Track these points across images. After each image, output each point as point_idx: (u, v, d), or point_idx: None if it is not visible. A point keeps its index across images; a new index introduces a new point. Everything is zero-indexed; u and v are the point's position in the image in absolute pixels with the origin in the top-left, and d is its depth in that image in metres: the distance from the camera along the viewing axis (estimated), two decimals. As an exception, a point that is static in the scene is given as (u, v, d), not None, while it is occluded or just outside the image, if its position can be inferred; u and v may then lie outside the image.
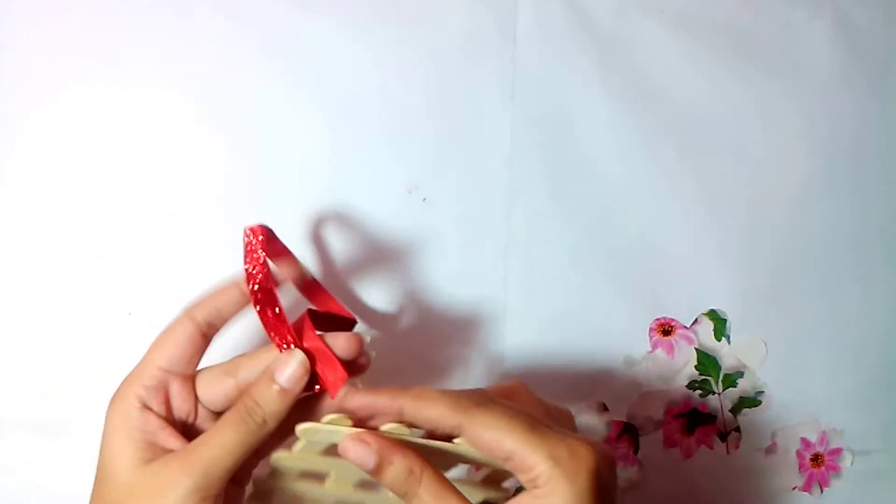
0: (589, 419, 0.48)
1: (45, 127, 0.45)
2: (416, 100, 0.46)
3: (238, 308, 0.37)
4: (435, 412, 0.33)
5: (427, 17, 0.46)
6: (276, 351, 0.35)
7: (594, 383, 0.47)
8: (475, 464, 0.37)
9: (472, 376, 0.46)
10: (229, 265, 0.45)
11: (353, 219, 0.46)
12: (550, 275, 0.47)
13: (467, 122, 0.46)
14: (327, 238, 0.45)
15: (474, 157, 0.46)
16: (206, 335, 0.36)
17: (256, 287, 0.35)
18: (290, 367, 0.34)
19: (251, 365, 0.36)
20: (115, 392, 0.35)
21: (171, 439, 0.34)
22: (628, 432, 0.48)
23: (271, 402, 0.34)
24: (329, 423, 0.34)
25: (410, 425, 0.34)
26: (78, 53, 0.44)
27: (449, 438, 0.34)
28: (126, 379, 0.35)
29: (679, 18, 0.48)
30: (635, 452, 0.48)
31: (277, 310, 0.35)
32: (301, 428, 0.33)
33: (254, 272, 0.35)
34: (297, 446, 0.34)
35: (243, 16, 0.45)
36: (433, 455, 0.34)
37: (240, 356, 0.37)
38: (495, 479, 0.38)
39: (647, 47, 0.47)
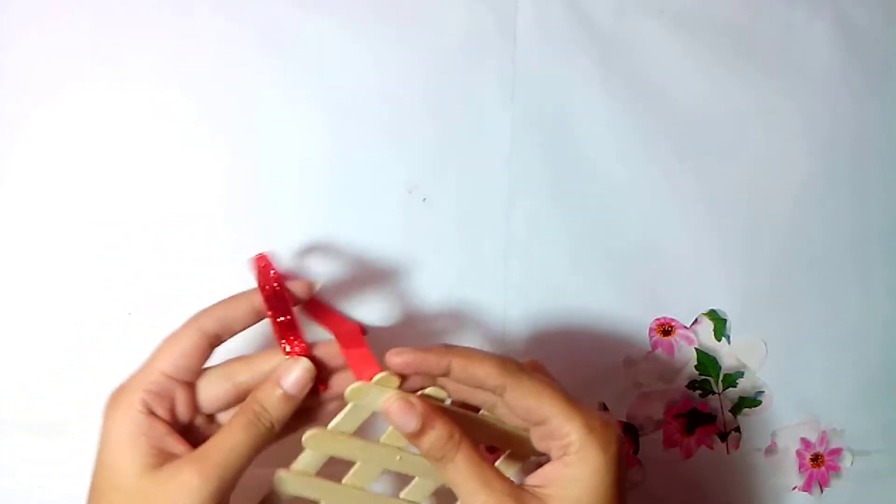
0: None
1: (45, 127, 0.45)
2: (416, 100, 0.46)
3: (248, 322, 0.37)
4: (482, 371, 0.34)
5: (427, 17, 0.46)
6: (273, 355, 0.36)
7: (594, 383, 0.47)
8: (496, 440, 0.37)
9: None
10: (229, 265, 0.45)
11: (353, 219, 0.46)
12: (550, 275, 0.47)
13: (467, 122, 0.46)
14: (327, 238, 0.45)
15: (474, 157, 0.46)
16: (213, 345, 0.36)
17: (270, 292, 0.36)
18: (294, 373, 0.35)
19: (249, 369, 0.36)
20: (115, 395, 0.35)
21: (176, 445, 0.34)
22: (628, 432, 0.48)
23: (276, 406, 0.34)
24: (378, 382, 0.34)
25: (454, 384, 0.35)
26: (78, 53, 0.44)
27: (476, 409, 0.36)
28: (129, 383, 0.35)
29: (679, 18, 0.48)
30: (635, 452, 0.48)
31: (289, 317, 0.36)
32: (351, 388, 0.34)
33: (270, 277, 0.36)
34: (342, 414, 0.35)
35: (243, 16, 0.45)
36: (462, 425, 0.35)
37: (236, 359, 0.37)
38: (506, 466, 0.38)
39: (647, 47, 0.47)
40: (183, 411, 0.35)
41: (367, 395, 0.35)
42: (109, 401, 0.35)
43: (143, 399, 0.34)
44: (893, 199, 0.50)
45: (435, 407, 0.34)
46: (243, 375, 0.36)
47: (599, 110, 0.47)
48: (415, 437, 0.34)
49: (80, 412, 0.45)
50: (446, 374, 0.34)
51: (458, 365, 0.34)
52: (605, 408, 0.48)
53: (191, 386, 0.36)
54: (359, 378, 0.35)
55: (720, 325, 0.48)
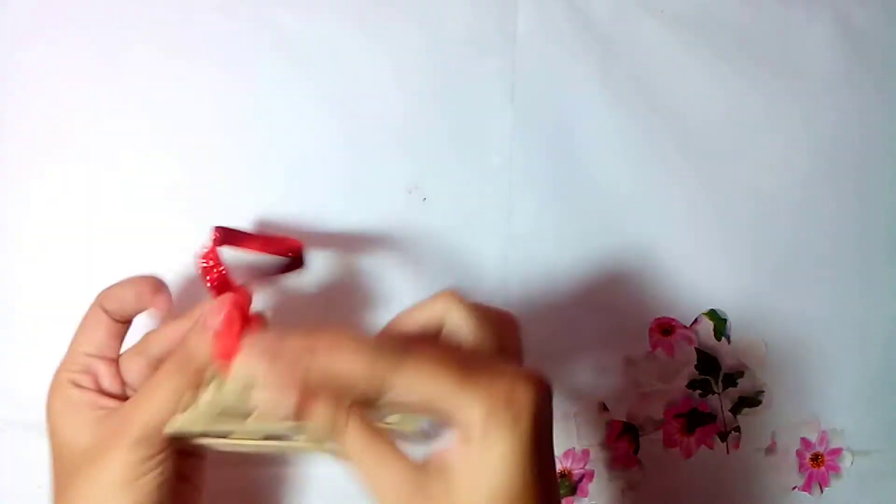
0: (589, 419, 0.48)
1: (45, 126, 0.45)
2: (416, 100, 0.46)
3: (146, 304, 0.37)
4: (349, 369, 0.29)
5: (427, 17, 0.46)
6: (183, 321, 0.36)
7: (594, 383, 0.47)
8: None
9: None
10: (229, 265, 0.45)
11: (353, 218, 0.46)
12: (550, 275, 0.47)
13: (467, 122, 0.46)
14: (327, 238, 0.45)
15: (474, 157, 0.46)
16: (120, 321, 0.37)
17: (208, 277, 0.37)
18: (222, 312, 0.34)
19: (159, 339, 0.36)
20: (49, 386, 0.36)
21: (108, 400, 0.35)
22: (628, 432, 0.48)
23: (207, 348, 0.33)
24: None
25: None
26: (78, 53, 0.44)
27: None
28: (56, 370, 0.36)
29: (679, 18, 0.48)
30: (635, 452, 0.48)
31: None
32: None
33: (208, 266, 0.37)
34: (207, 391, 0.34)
35: (244, 16, 0.45)
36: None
37: (148, 333, 0.37)
38: None
39: (648, 47, 0.47)
40: (108, 386, 0.36)
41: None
42: (47, 395, 0.36)
43: (70, 378, 0.35)
44: None
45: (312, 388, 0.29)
46: (156, 347, 0.36)
47: (600, 110, 0.47)
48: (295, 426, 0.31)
49: (80, 412, 0.45)
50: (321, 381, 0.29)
51: (320, 365, 0.29)
52: (605, 408, 0.48)
53: (113, 362, 0.36)
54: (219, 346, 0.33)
55: (720, 325, 0.48)
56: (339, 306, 0.45)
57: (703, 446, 0.49)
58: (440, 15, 0.46)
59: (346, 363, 0.29)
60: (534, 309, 0.47)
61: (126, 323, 0.37)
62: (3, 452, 0.45)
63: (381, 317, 0.46)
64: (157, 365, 0.36)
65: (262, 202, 0.45)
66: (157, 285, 0.37)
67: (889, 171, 0.49)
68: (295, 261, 0.40)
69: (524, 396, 0.29)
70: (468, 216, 0.46)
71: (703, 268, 0.48)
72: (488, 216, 0.47)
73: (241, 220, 0.45)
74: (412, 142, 0.46)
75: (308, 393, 0.29)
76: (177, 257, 0.45)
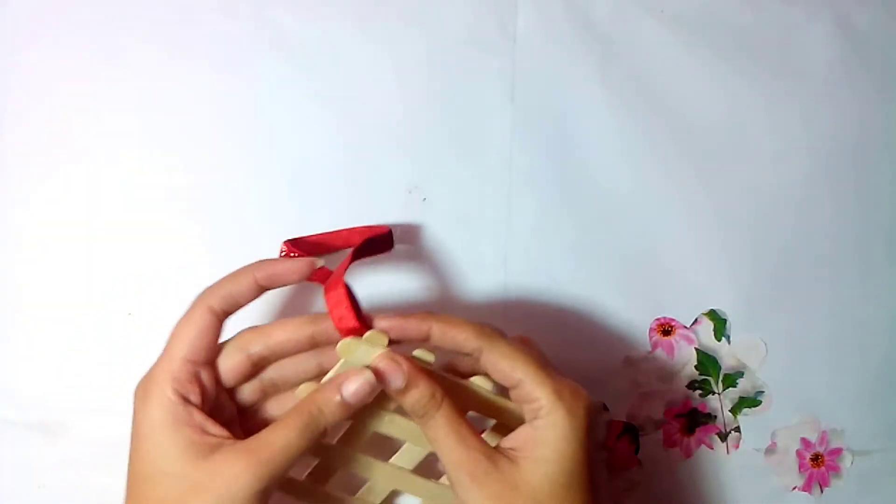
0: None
1: (45, 126, 0.45)
2: (416, 100, 0.46)
3: (253, 296, 0.37)
4: (461, 335, 0.36)
5: (427, 17, 0.46)
6: (286, 324, 0.37)
7: (594, 383, 0.47)
8: (482, 407, 0.38)
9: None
10: (230, 264, 0.45)
11: (353, 219, 0.46)
12: (550, 275, 0.47)
13: (467, 122, 0.46)
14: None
15: (474, 157, 0.46)
16: (222, 321, 0.37)
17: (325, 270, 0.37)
18: (356, 384, 0.35)
19: (263, 339, 0.37)
20: (143, 387, 0.35)
21: (214, 429, 0.34)
22: (628, 432, 0.48)
23: (334, 412, 0.35)
24: (367, 340, 0.36)
25: (436, 348, 0.36)
26: (78, 53, 0.44)
27: (465, 376, 0.38)
28: (154, 373, 0.35)
29: (679, 18, 0.48)
30: (635, 452, 0.48)
31: (345, 292, 0.36)
32: (342, 343, 0.35)
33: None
34: (333, 370, 0.36)
35: (244, 16, 0.45)
36: (448, 390, 0.36)
37: (248, 330, 0.37)
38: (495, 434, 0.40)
39: (648, 47, 0.47)
40: (210, 391, 0.36)
41: (357, 351, 0.36)
42: (139, 393, 0.35)
43: (174, 388, 0.35)
44: None
45: (420, 367, 0.36)
46: (257, 345, 0.37)
47: (600, 110, 0.47)
48: (400, 394, 0.35)
49: (81, 412, 0.45)
50: (427, 339, 0.36)
51: (437, 329, 0.36)
52: (605, 408, 0.48)
53: (212, 365, 0.36)
54: (345, 334, 0.36)
55: (720, 325, 0.48)
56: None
57: (703, 446, 0.49)
58: (440, 15, 0.46)
59: (457, 330, 0.36)
60: (533, 309, 0.47)
61: (223, 322, 0.37)
62: (3, 452, 0.45)
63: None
64: (257, 361, 0.37)
65: (263, 202, 0.45)
66: (265, 267, 0.37)
67: (889, 171, 0.49)
68: (384, 243, 0.42)
69: (584, 396, 0.36)
70: (468, 216, 0.46)
71: (703, 268, 0.48)
72: (488, 216, 0.47)
73: (242, 219, 0.45)
74: (412, 142, 0.46)
75: (415, 372, 0.35)
76: (177, 257, 0.45)
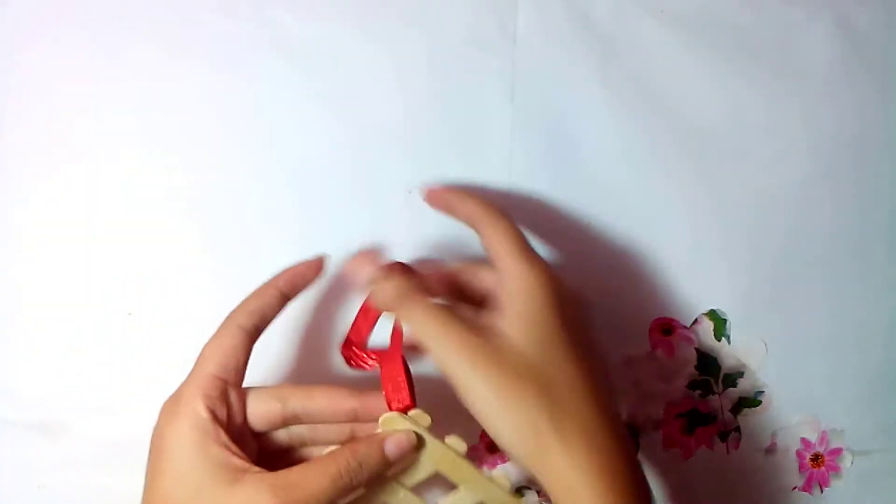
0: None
1: (45, 126, 0.45)
2: (416, 100, 0.46)
3: (279, 306, 0.38)
4: (471, 205, 0.40)
5: (427, 17, 0.46)
6: (332, 391, 0.37)
7: (594, 383, 0.47)
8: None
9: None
10: (230, 263, 0.45)
11: (354, 219, 0.46)
12: (550, 275, 0.47)
13: (467, 122, 0.46)
14: (327, 238, 0.45)
15: (474, 157, 0.46)
16: (253, 339, 0.37)
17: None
18: (401, 444, 0.36)
19: (304, 398, 0.36)
20: (172, 403, 0.35)
21: (239, 454, 0.34)
22: (628, 432, 0.48)
23: (373, 467, 0.35)
24: (412, 418, 0.37)
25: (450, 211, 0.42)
26: (78, 52, 0.44)
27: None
28: (184, 391, 0.35)
29: (679, 18, 0.48)
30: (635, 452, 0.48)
31: (404, 374, 0.37)
32: (385, 417, 0.36)
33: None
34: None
35: (244, 16, 0.45)
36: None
37: (290, 385, 0.38)
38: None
39: (648, 47, 0.47)
40: (235, 416, 0.35)
41: (400, 427, 0.37)
42: (168, 408, 0.35)
43: (206, 404, 0.34)
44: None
45: (394, 267, 0.39)
46: (296, 402, 0.36)
47: (600, 110, 0.47)
48: (373, 292, 0.38)
49: (81, 412, 0.45)
50: (450, 209, 0.41)
51: (455, 198, 0.41)
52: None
53: (240, 389, 0.36)
54: (391, 408, 0.37)
55: (720, 325, 0.48)
56: (338, 307, 0.45)
57: (703, 446, 0.49)
58: (440, 15, 0.46)
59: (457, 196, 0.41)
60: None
61: (255, 341, 0.37)
62: (3, 452, 0.45)
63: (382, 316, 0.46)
64: (289, 417, 0.36)
65: (262, 202, 0.45)
66: (284, 274, 0.39)
67: (889, 171, 0.49)
68: None
69: (556, 278, 0.37)
70: (468, 216, 0.46)
71: (703, 268, 0.48)
72: (488, 216, 0.47)
73: (241, 219, 0.45)
74: (412, 142, 0.46)
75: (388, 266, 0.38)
76: (177, 257, 0.45)
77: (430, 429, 0.38)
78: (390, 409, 0.37)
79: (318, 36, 0.45)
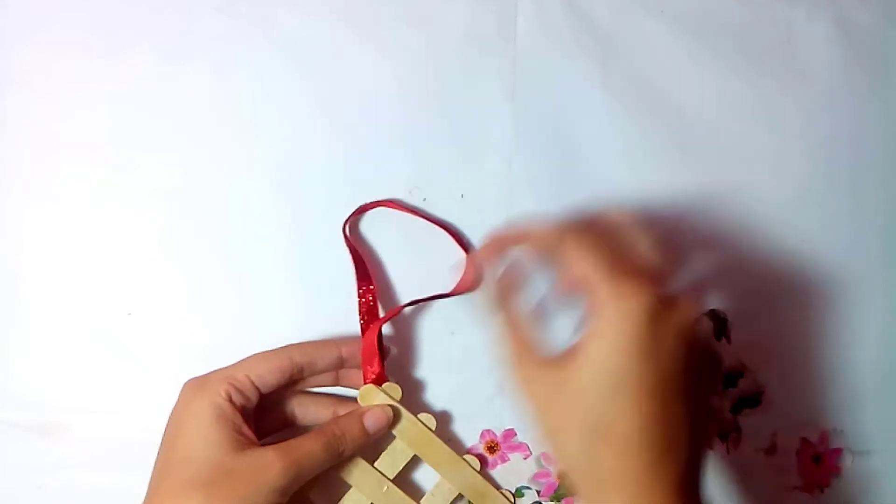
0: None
1: (45, 126, 0.45)
2: (416, 100, 0.46)
3: (329, 367, 0.42)
4: (542, 230, 0.39)
5: (427, 17, 0.46)
6: (327, 343, 0.43)
7: (594, 383, 0.47)
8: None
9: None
10: (230, 262, 0.45)
11: (353, 219, 0.46)
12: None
13: (467, 122, 0.46)
14: (327, 239, 0.45)
15: (474, 157, 0.46)
16: (294, 377, 0.41)
17: (365, 310, 0.44)
18: (379, 421, 0.42)
19: (303, 352, 0.42)
20: (196, 384, 0.40)
21: (249, 432, 0.39)
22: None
23: (354, 437, 0.41)
24: (385, 389, 0.43)
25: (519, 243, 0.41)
26: (78, 52, 0.44)
27: None
28: (213, 376, 0.40)
29: (679, 18, 0.48)
30: (635, 452, 0.48)
31: (377, 341, 0.42)
32: (363, 390, 0.42)
33: (364, 300, 0.44)
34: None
35: (244, 16, 0.45)
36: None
37: (292, 346, 0.42)
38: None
39: (648, 47, 0.47)
40: (250, 412, 0.40)
41: (375, 399, 0.42)
42: (193, 385, 0.40)
43: (228, 390, 0.39)
44: (894, 198, 0.50)
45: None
46: (298, 356, 0.41)
47: (600, 110, 0.47)
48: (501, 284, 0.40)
49: (81, 412, 0.45)
50: (516, 242, 0.41)
51: (524, 229, 0.40)
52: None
53: (259, 397, 0.40)
54: (365, 377, 0.42)
55: (720, 325, 0.48)
56: (339, 306, 0.45)
57: (703, 446, 0.49)
58: (440, 15, 0.46)
59: (536, 229, 0.40)
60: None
61: (295, 380, 0.42)
62: (3, 452, 0.45)
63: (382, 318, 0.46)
64: (294, 371, 0.41)
65: (262, 202, 0.45)
66: (349, 345, 0.43)
67: (887, 171, 0.49)
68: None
69: (644, 292, 0.34)
70: (468, 216, 0.46)
71: (703, 268, 0.48)
72: (488, 216, 0.47)
73: (241, 218, 0.45)
74: (412, 142, 0.46)
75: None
76: (177, 257, 0.45)
77: (402, 401, 0.43)
78: (365, 378, 0.42)
79: (317, 36, 0.45)
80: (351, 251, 0.44)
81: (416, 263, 0.46)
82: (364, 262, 0.44)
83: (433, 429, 0.43)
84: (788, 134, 0.48)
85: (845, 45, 0.48)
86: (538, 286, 0.43)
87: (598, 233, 0.37)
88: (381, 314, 0.44)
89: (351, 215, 0.45)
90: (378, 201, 0.45)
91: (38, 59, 0.44)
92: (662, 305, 0.34)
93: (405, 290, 0.46)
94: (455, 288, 0.45)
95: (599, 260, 0.35)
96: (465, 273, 0.45)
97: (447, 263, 0.46)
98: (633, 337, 0.33)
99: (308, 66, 0.45)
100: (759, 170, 0.48)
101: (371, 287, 0.44)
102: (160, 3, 0.45)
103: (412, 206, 0.46)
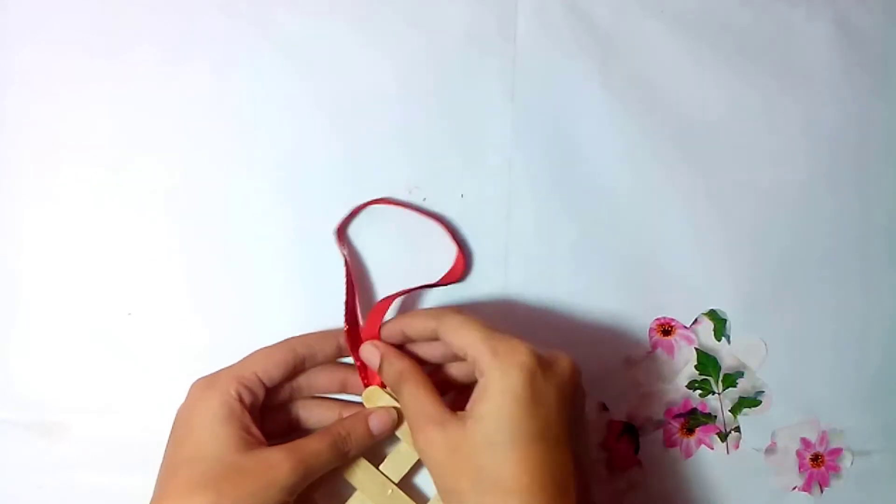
0: (589, 419, 0.48)
1: (45, 126, 0.45)
2: (416, 100, 0.46)
3: (330, 357, 0.43)
4: (419, 323, 0.41)
5: (427, 17, 0.46)
6: (328, 333, 0.43)
7: (594, 383, 0.47)
8: None
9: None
10: (229, 262, 0.45)
11: (353, 219, 0.46)
12: (550, 275, 0.47)
13: (467, 122, 0.46)
14: (327, 239, 0.45)
15: (474, 157, 0.46)
16: (297, 367, 0.42)
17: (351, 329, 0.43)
18: (384, 422, 0.42)
19: (302, 338, 0.42)
20: (206, 382, 0.40)
21: (257, 433, 0.39)
22: (628, 432, 0.48)
23: (358, 438, 0.41)
24: (389, 391, 0.42)
25: (408, 340, 0.42)
26: (78, 52, 0.44)
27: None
28: (222, 374, 0.40)
29: (679, 18, 0.48)
30: (635, 452, 0.48)
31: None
32: (367, 392, 0.42)
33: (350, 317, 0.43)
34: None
35: (244, 16, 0.45)
36: None
37: (292, 338, 0.42)
38: None
39: (648, 47, 0.47)
40: (258, 406, 0.40)
41: (379, 401, 0.42)
42: (202, 384, 0.40)
43: (238, 390, 0.39)
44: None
45: (395, 351, 0.42)
46: (300, 347, 0.42)
47: (600, 110, 0.47)
48: (379, 371, 0.41)
49: (81, 412, 0.45)
50: (404, 339, 0.42)
51: (405, 325, 0.41)
52: (605, 408, 0.48)
53: (266, 392, 0.41)
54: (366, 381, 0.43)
55: (720, 325, 0.48)
56: (339, 305, 0.45)
57: (703, 446, 0.49)
58: (440, 15, 0.46)
59: (415, 319, 0.41)
60: (534, 309, 0.47)
61: (300, 370, 0.42)
62: (3, 452, 0.45)
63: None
64: (297, 363, 0.41)
65: (262, 202, 0.45)
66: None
67: (889, 171, 0.49)
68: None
69: (522, 351, 0.37)
70: (468, 216, 0.46)
71: (703, 268, 0.48)
72: (488, 216, 0.47)
73: (240, 218, 0.45)
74: (412, 142, 0.46)
75: (390, 352, 0.41)
76: (177, 257, 0.45)
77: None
78: (364, 381, 0.42)
79: (317, 36, 0.45)
80: (344, 261, 0.44)
81: (413, 263, 0.46)
82: (352, 276, 0.44)
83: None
84: (789, 134, 0.48)
85: (845, 45, 0.48)
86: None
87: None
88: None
89: (342, 222, 0.45)
90: (370, 201, 0.45)
91: (38, 59, 0.44)
92: (539, 362, 0.37)
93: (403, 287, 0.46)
94: (443, 278, 0.45)
95: (478, 330, 0.38)
96: (455, 265, 0.45)
97: (443, 263, 0.46)
98: (517, 393, 0.36)
99: (308, 66, 0.45)
100: (759, 169, 0.48)
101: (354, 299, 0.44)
102: (160, 3, 0.45)
103: (406, 202, 0.46)
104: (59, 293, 0.45)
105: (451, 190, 0.46)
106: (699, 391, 0.49)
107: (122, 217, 0.45)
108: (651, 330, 0.48)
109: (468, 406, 0.37)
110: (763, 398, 0.49)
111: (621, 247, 0.47)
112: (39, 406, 0.45)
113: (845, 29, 0.48)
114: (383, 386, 0.43)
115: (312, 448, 0.39)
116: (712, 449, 0.49)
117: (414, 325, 0.41)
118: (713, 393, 0.49)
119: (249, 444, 0.38)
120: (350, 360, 0.43)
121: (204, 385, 0.40)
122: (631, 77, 0.47)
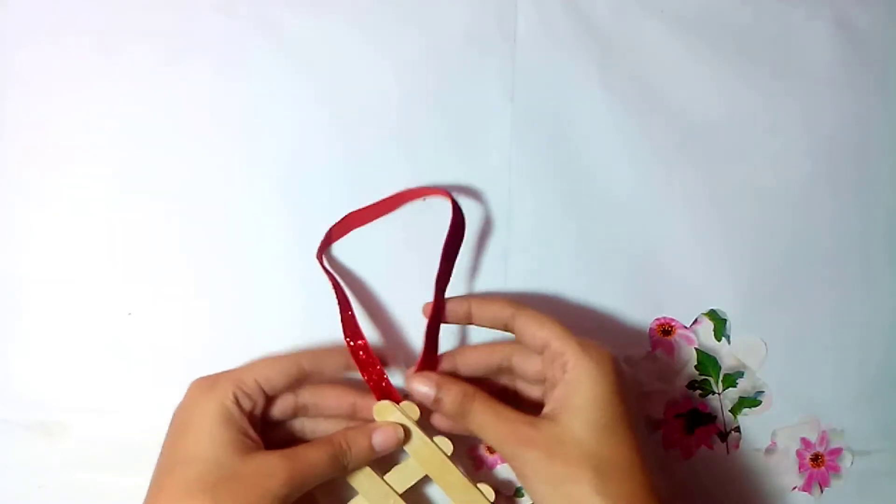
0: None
1: (45, 126, 0.45)
2: (416, 100, 0.46)
3: (335, 374, 0.42)
4: (496, 306, 0.41)
5: (427, 17, 0.46)
6: (337, 350, 0.42)
7: (594, 383, 0.47)
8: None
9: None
10: (229, 262, 0.45)
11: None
12: (551, 275, 0.47)
13: (467, 122, 0.46)
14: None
15: (474, 157, 0.46)
16: (300, 381, 0.41)
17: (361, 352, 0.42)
18: (388, 438, 0.41)
19: (313, 358, 0.42)
20: (204, 384, 0.39)
21: (255, 437, 0.39)
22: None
23: (360, 453, 0.40)
24: (402, 408, 0.42)
25: (470, 322, 0.43)
26: (78, 52, 0.44)
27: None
28: (221, 377, 0.40)
29: (679, 18, 0.48)
30: (635, 452, 0.48)
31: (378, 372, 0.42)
32: (378, 406, 0.41)
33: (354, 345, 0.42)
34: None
35: (244, 16, 0.45)
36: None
37: (300, 352, 0.42)
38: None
39: (648, 47, 0.47)
40: (257, 417, 0.40)
41: (391, 417, 0.41)
42: (201, 385, 0.39)
43: (237, 394, 0.39)
44: None
45: (447, 377, 0.41)
46: (307, 363, 0.41)
47: (600, 110, 0.47)
48: (435, 403, 0.40)
49: (81, 412, 0.45)
50: (469, 317, 0.42)
51: (475, 305, 0.42)
52: None
53: (266, 400, 0.40)
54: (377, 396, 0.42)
55: (720, 325, 0.48)
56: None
57: (703, 446, 0.49)
58: (440, 15, 0.46)
59: (492, 303, 0.42)
60: (534, 309, 0.47)
61: (303, 384, 0.42)
62: (3, 453, 0.45)
63: (381, 317, 0.46)
64: (301, 376, 0.41)
65: (262, 202, 0.45)
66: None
67: (889, 171, 0.49)
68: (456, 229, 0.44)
69: (608, 352, 0.40)
70: (468, 216, 0.46)
71: (703, 268, 0.48)
72: (488, 216, 0.47)
73: (240, 218, 0.45)
74: (412, 142, 0.46)
75: (445, 380, 0.41)
76: (177, 257, 0.45)
77: (419, 422, 0.42)
78: (377, 395, 0.42)
79: (318, 36, 0.45)
80: (329, 278, 0.43)
81: (413, 264, 0.46)
82: (343, 294, 0.43)
83: (448, 453, 0.42)
84: (789, 133, 0.48)
85: (845, 45, 0.48)
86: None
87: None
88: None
89: (322, 244, 0.44)
90: (346, 220, 0.44)
91: (38, 59, 0.44)
92: (618, 362, 0.40)
93: (403, 291, 0.46)
94: (447, 237, 0.43)
95: (558, 325, 0.40)
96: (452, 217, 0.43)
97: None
98: (612, 381, 0.38)
99: (308, 66, 0.45)
100: (759, 169, 0.48)
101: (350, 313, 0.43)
102: (160, 3, 0.45)
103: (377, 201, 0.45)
104: (60, 293, 0.45)
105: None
106: (699, 391, 0.49)
107: (122, 217, 0.45)
108: (651, 330, 0.48)
109: (553, 401, 0.39)
110: (763, 398, 0.49)
111: (621, 247, 0.47)
112: (39, 406, 0.45)
113: (845, 29, 0.48)
114: (398, 401, 0.42)
115: (310, 458, 0.38)
116: (712, 449, 0.49)
117: (490, 309, 0.42)
118: (713, 393, 0.49)
119: (247, 447, 0.38)
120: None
121: (203, 385, 0.39)
122: (631, 77, 0.47)
